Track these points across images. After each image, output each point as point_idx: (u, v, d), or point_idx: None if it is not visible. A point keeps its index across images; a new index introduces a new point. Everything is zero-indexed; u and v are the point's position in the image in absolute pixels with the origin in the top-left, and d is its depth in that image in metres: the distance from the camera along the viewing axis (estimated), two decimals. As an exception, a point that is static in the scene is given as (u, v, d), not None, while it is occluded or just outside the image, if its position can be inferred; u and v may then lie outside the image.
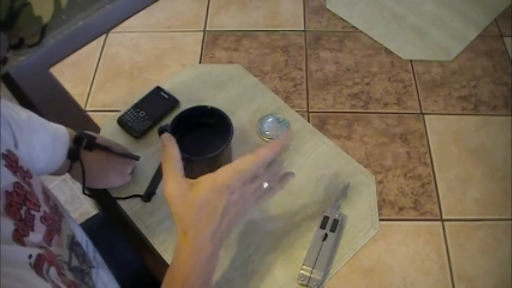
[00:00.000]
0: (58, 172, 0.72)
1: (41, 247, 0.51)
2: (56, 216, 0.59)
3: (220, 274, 0.70)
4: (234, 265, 0.71)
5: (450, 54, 0.99)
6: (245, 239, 0.73)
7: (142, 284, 0.77)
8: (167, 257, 0.71)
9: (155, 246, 0.72)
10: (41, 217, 0.54)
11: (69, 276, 0.55)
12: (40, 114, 0.87)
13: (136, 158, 0.78)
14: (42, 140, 0.67)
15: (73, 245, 0.62)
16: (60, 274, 0.53)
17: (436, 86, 0.93)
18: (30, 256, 0.48)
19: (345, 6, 1.07)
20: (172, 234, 0.73)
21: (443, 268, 0.72)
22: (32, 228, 0.51)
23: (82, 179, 0.71)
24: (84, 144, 0.71)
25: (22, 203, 0.51)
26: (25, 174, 0.54)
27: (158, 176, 0.72)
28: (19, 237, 0.48)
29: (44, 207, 0.55)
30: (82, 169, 0.70)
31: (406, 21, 1.04)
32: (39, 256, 0.49)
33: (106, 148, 0.73)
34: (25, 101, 0.91)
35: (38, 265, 0.48)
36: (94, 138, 0.72)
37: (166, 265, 0.71)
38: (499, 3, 1.08)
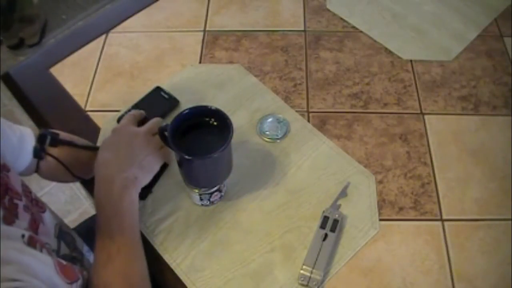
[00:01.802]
0: (25, 173, 0.72)
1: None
2: (36, 207, 0.61)
3: (220, 274, 0.70)
4: (234, 265, 0.71)
5: (450, 54, 0.99)
6: (245, 239, 0.73)
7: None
8: (167, 257, 0.71)
9: (155, 246, 0.72)
10: (24, 205, 0.57)
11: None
12: (40, 114, 0.88)
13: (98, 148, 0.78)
14: (8, 142, 0.68)
15: (62, 233, 0.64)
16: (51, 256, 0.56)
17: (436, 86, 0.93)
18: (23, 236, 0.52)
19: (345, 6, 1.07)
20: (172, 234, 0.74)
21: (443, 268, 0.72)
22: (16, 216, 0.54)
23: (66, 169, 0.72)
24: (48, 141, 0.71)
25: (5, 193, 0.54)
26: (2, 168, 0.57)
27: (156, 176, 0.72)
28: (8, 223, 0.52)
29: (24, 198, 0.58)
30: (60, 162, 0.71)
31: (406, 21, 1.04)
32: (30, 236, 0.53)
33: (69, 143, 0.73)
34: (25, 101, 0.91)
35: (31, 243, 0.52)
36: (57, 134, 0.73)
37: (166, 265, 0.71)
38: (499, 3, 1.08)
